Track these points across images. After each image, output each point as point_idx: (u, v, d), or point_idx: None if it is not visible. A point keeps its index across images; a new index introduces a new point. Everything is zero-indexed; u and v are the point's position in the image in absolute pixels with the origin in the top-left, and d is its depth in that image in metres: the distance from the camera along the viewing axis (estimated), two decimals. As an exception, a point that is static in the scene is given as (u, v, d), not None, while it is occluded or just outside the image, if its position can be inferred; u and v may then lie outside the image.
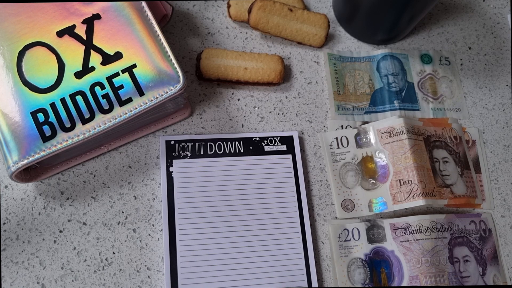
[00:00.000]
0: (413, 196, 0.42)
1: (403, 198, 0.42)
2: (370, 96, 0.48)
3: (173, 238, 0.40)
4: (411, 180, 0.42)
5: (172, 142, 0.43)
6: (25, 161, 0.36)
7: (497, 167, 0.47)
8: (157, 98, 0.38)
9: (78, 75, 0.37)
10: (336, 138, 0.46)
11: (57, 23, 0.38)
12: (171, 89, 0.38)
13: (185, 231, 0.40)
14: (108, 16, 0.39)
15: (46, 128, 0.36)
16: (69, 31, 0.38)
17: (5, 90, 0.37)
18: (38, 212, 0.40)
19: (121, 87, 0.37)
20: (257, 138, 0.44)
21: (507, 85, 0.51)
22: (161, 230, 0.41)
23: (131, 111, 0.37)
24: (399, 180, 0.43)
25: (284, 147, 0.44)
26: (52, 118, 0.36)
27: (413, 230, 0.42)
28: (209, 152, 0.43)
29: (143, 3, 0.40)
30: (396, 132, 0.44)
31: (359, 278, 0.41)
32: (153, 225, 0.41)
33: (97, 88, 0.37)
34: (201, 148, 0.43)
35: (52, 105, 0.37)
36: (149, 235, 0.41)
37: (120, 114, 0.37)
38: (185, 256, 0.39)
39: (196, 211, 0.41)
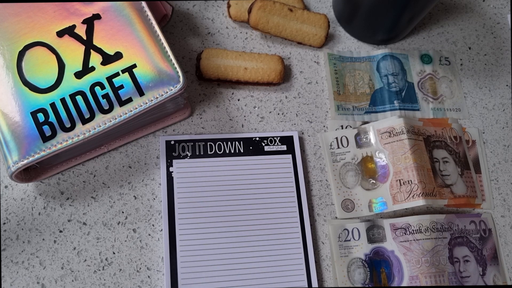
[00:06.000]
0: (413, 196, 0.42)
1: (403, 198, 0.42)
2: (370, 96, 0.48)
3: (173, 238, 0.40)
4: (411, 180, 0.42)
5: (172, 142, 0.43)
6: (25, 161, 0.36)
7: (497, 167, 0.47)
8: (157, 98, 0.38)
9: (78, 75, 0.37)
10: (336, 138, 0.46)
11: (57, 23, 0.38)
12: (171, 89, 0.38)
13: (185, 231, 0.40)
14: (108, 16, 0.39)
15: (46, 128, 0.36)
16: (69, 31, 0.38)
17: (5, 90, 0.37)
18: (38, 212, 0.40)
19: (121, 87, 0.37)
20: (257, 138, 0.44)
21: (507, 85, 0.51)
22: (161, 230, 0.41)
23: (131, 111, 0.37)
24: (399, 180, 0.43)
25: (284, 147, 0.44)
26: (52, 118, 0.36)
27: (413, 230, 0.42)
28: (209, 152, 0.43)
29: (143, 3, 0.40)
30: (396, 132, 0.44)
31: (359, 278, 0.41)
32: (153, 225, 0.41)
33: (97, 88, 0.37)
34: (201, 148, 0.43)
35: (52, 105, 0.37)
36: (149, 235, 0.41)
37: (120, 114, 0.37)
38: (185, 256, 0.39)
39: (196, 211, 0.41)
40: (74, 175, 0.42)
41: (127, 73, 0.38)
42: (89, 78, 0.37)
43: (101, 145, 0.42)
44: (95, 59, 0.38)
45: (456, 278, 0.41)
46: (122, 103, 0.37)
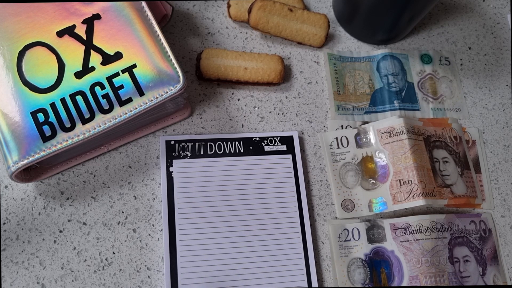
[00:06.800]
0: (413, 196, 0.42)
1: (403, 198, 0.42)
2: (370, 96, 0.48)
3: (173, 238, 0.40)
4: (411, 180, 0.42)
5: (172, 142, 0.43)
6: (25, 161, 0.36)
7: (497, 167, 0.47)
8: (157, 98, 0.38)
9: (78, 75, 0.37)
10: (336, 138, 0.46)
11: (57, 23, 0.38)
12: (171, 89, 0.38)
13: (185, 231, 0.40)
14: (108, 16, 0.39)
15: (46, 128, 0.36)
16: (69, 31, 0.38)
17: (5, 90, 0.37)
18: (38, 212, 0.40)
19: (121, 87, 0.37)
20: (257, 138, 0.44)
21: (507, 85, 0.51)
22: (161, 230, 0.41)
23: (131, 111, 0.37)
24: (399, 180, 0.43)
25: (284, 147, 0.44)
26: (52, 118, 0.36)
27: (413, 230, 0.42)
28: (209, 152, 0.43)
29: (143, 3, 0.40)
30: (396, 132, 0.44)
31: (359, 278, 0.41)
32: (153, 225, 0.41)
33: (97, 88, 0.37)
34: (201, 148, 0.43)
35: (52, 105, 0.37)
36: (149, 235, 0.41)
37: (120, 114, 0.37)
38: (185, 256, 0.39)
39: (196, 211, 0.41)
40: (74, 175, 0.42)
41: (127, 73, 0.38)
42: (89, 78, 0.37)
43: (101, 145, 0.42)
44: (95, 59, 0.38)
45: (456, 278, 0.41)
46: (122, 103, 0.37)
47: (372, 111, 0.47)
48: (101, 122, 0.37)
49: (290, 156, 0.44)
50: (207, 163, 0.43)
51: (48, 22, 0.38)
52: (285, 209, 0.42)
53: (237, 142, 0.44)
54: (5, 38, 0.38)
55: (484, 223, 0.44)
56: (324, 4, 0.52)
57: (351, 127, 0.46)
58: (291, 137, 0.45)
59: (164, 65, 0.38)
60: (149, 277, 0.39)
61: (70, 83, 0.37)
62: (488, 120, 0.49)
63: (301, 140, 0.46)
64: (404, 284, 0.41)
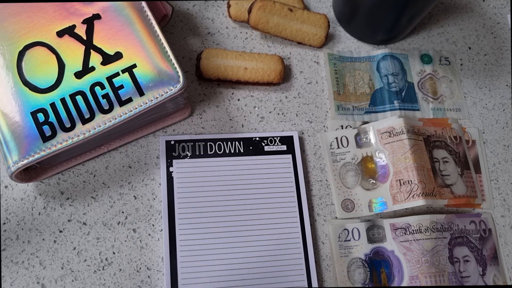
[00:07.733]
0: (413, 196, 0.42)
1: (403, 198, 0.42)
2: (370, 96, 0.48)
3: (173, 238, 0.40)
4: (411, 180, 0.42)
5: (172, 142, 0.43)
6: (25, 161, 0.36)
7: (497, 167, 0.47)
8: (157, 98, 0.38)
9: (78, 75, 0.37)
10: (336, 138, 0.46)
11: (57, 23, 0.39)
12: (171, 89, 0.38)
13: (185, 231, 0.40)
14: (108, 16, 0.39)
15: (46, 128, 0.36)
16: (69, 31, 0.38)
17: (5, 90, 0.37)
18: (38, 212, 0.40)
19: (121, 87, 0.37)
20: (257, 138, 0.44)
21: (507, 85, 0.51)
22: (161, 230, 0.41)
23: (131, 111, 0.37)
24: (399, 180, 0.43)
25: (284, 147, 0.44)
26: (52, 118, 0.36)
27: (413, 230, 0.42)
28: (209, 152, 0.43)
29: (143, 3, 0.40)
30: (396, 132, 0.44)
31: (359, 278, 0.41)
32: (153, 225, 0.41)
33: (97, 88, 0.37)
34: (201, 148, 0.43)
35: (52, 105, 0.37)
36: (149, 235, 0.41)
37: (120, 114, 0.37)
38: (185, 256, 0.39)
39: (196, 211, 0.41)
40: (74, 175, 0.42)
41: (127, 73, 0.38)
42: (89, 78, 0.37)
43: (101, 145, 0.42)
44: (95, 59, 0.38)
45: (456, 278, 0.41)
46: (122, 103, 0.37)
47: (372, 111, 0.47)
48: (101, 122, 0.37)
49: (290, 156, 0.44)
50: (207, 163, 0.43)
51: (48, 22, 0.38)
52: (285, 209, 0.42)
53: (237, 142, 0.44)
54: (5, 38, 0.38)
55: (484, 223, 0.44)
56: (324, 4, 0.52)
57: (351, 127, 0.46)
58: (291, 137, 0.45)
59: (164, 65, 0.38)
60: (149, 277, 0.39)
61: (70, 83, 0.37)
62: (488, 120, 0.49)
63: (301, 140, 0.46)
64: (404, 284, 0.41)
